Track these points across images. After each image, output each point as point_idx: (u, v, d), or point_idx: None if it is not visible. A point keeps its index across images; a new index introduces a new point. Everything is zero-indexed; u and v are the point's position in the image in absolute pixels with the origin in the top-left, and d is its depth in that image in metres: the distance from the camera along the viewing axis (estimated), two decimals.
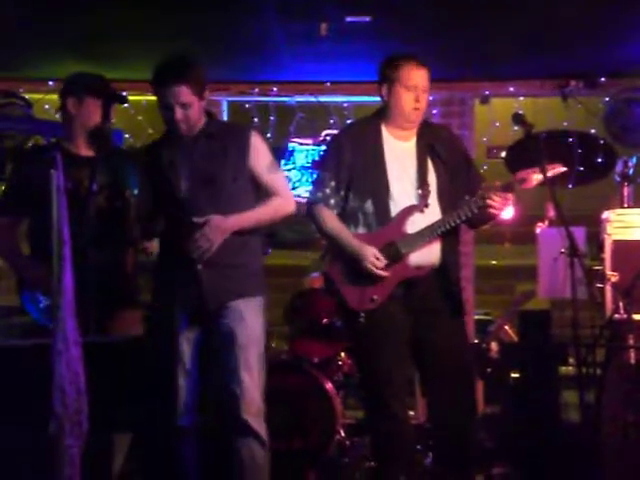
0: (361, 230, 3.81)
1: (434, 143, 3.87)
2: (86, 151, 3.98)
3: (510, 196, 3.74)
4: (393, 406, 3.77)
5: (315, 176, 3.91)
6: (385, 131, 3.88)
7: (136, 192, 3.89)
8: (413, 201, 3.79)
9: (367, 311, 3.74)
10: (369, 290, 3.75)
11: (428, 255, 3.79)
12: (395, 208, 3.78)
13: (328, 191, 3.80)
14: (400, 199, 3.79)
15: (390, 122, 3.87)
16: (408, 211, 3.78)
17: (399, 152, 3.86)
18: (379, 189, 3.78)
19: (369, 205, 3.78)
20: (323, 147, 4.10)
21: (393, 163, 3.83)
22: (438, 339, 3.80)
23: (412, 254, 3.77)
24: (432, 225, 3.75)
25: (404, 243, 3.75)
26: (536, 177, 3.73)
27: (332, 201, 3.81)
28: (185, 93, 3.58)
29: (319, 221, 3.85)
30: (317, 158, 4.15)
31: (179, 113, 3.59)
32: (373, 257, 3.72)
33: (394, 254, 3.75)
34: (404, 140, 3.89)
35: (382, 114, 3.90)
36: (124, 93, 4.18)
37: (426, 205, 3.78)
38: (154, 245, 3.78)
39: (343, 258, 3.81)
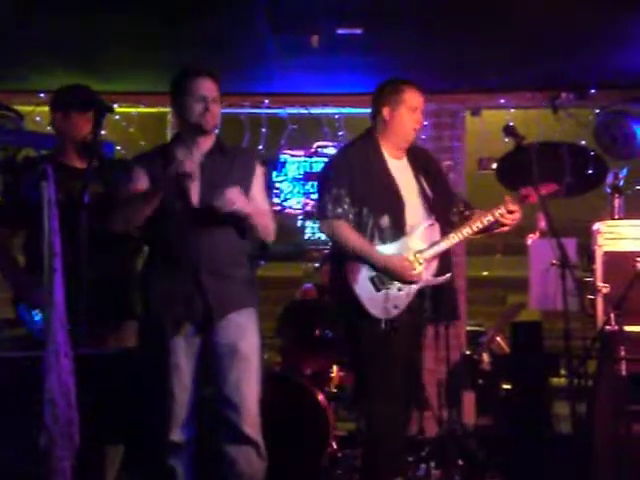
0: (376, 243, 3.91)
1: (420, 161, 4.09)
2: (78, 163, 3.98)
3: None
4: (398, 404, 3.88)
5: (330, 193, 3.93)
6: (384, 150, 4.03)
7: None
8: (421, 214, 3.98)
9: (389, 319, 3.87)
10: (392, 298, 3.88)
11: (443, 265, 3.98)
12: (408, 221, 3.94)
13: (346, 207, 3.91)
14: (410, 213, 3.96)
15: (388, 141, 4.04)
16: (420, 223, 3.96)
17: (399, 169, 4.03)
18: (395, 204, 3.94)
19: (385, 220, 3.91)
20: (328, 167, 4.16)
21: (398, 180, 3.99)
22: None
23: (430, 264, 3.94)
24: (448, 236, 3.96)
25: (422, 254, 3.92)
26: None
27: (350, 216, 3.92)
28: (217, 90, 3.70)
29: (342, 236, 3.92)
30: (321, 177, 4.17)
31: (213, 106, 3.66)
32: (404, 261, 3.87)
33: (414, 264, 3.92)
34: (399, 159, 4.07)
35: (378, 134, 4.04)
36: (115, 105, 4.17)
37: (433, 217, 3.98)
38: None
39: (366, 269, 3.90)
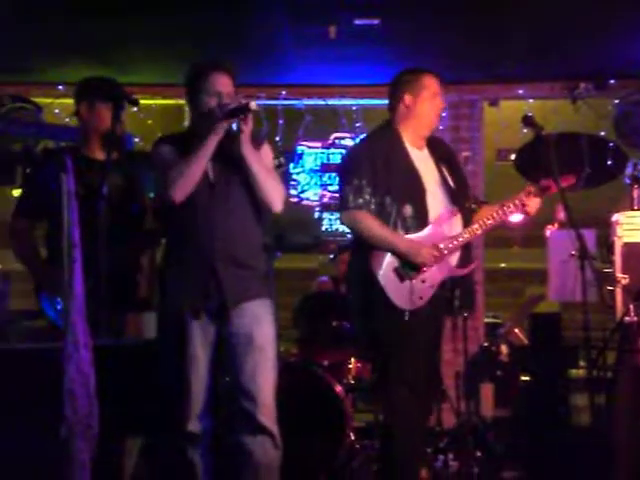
0: (400, 233, 3.89)
1: (441, 152, 4.08)
2: (100, 155, 3.98)
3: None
4: (419, 396, 3.85)
5: (351, 184, 3.91)
6: (405, 140, 4.00)
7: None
8: (443, 204, 3.96)
9: (413, 309, 3.84)
10: (417, 289, 3.86)
11: (464, 255, 3.97)
12: (431, 211, 3.92)
13: (367, 197, 3.89)
14: (433, 203, 3.93)
15: (409, 131, 4.01)
16: (444, 214, 3.94)
17: (420, 159, 4.00)
18: (417, 193, 3.92)
19: (408, 209, 3.89)
20: (348, 158, 4.18)
21: (420, 169, 3.97)
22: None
23: (453, 255, 3.93)
24: (472, 226, 3.94)
25: (446, 244, 3.89)
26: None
27: (372, 206, 3.90)
28: (232, 84, 3.72)
29: (364, 226, 3.90)
30: (341, 168, 4.17)
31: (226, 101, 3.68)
32: (429, 249, 3.84)
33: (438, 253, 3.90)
34: (420, 149, 4.03)
35: (397, 125, 4.02)
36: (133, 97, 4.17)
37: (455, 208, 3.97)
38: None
39: (391, 260, 3.88)
